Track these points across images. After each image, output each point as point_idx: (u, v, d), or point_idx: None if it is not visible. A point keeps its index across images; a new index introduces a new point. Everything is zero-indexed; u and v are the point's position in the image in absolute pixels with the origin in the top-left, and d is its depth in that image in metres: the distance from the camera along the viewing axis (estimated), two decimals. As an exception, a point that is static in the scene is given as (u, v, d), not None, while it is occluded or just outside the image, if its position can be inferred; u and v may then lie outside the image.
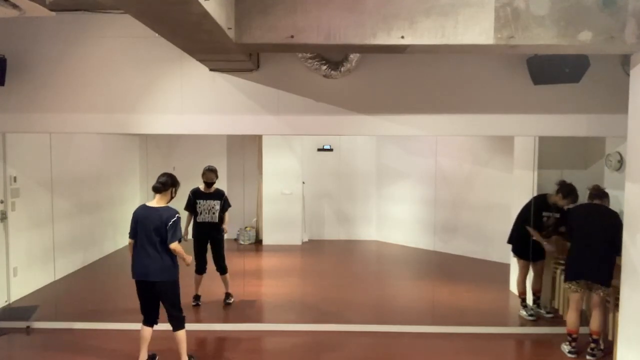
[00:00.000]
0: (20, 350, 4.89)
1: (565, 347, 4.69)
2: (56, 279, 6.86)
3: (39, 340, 5.01)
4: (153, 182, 4.17)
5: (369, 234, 10.06)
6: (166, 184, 4.20)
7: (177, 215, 4.14)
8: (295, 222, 9.60)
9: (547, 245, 5.47)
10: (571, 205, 5.26)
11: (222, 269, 5.95)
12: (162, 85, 4.79)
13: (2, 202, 5.69)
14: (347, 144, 9.97)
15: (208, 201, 5.80)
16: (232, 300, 6.06)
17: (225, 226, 5.95)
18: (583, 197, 5.48)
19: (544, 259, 5.66)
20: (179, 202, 6.45)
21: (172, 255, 4.14)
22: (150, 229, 4.06)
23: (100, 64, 4.79)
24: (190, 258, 4.27)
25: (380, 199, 9.97)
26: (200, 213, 5.79)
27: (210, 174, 5.77)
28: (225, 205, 5.92)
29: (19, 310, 5.69)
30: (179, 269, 4.20)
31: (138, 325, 4.24)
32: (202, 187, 5.84)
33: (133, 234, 4.16)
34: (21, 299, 6.02)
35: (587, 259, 4.48)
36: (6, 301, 5.81)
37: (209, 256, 5.94)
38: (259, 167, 9.72)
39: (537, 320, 5.57)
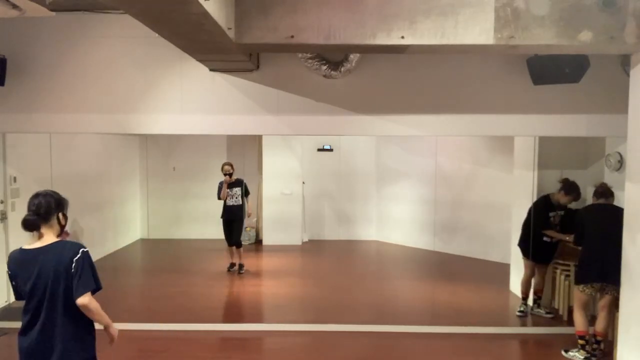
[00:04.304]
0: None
1: (580, 356, 4.50)
2: (56, 279, 6.86)
3: (39, 340, 4.99)
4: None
5: (369, 234, 10.07)
6: (49, 210, 2.61)
7: (82, 250, 2.60)
8: (295, 222, 9.61)
9: (570, 237, 5.24)
10: (573, 204, 5.24)
11: (238, 243, 7.37)
12: (162, 86, 4.79)
13: (2, 202, 5.69)
14: (347, 144, 9.97)
15: (229, 189, 7.24)
16: (244, 270, 7.41)
17: (249, 210, 7.50)
18: (586, 198, 5.51)
19: (551, 262, 5.67)
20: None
21: (86, 319, 2.66)
22: (45, 283, 2.59)
23: (100, 64, 4.79)
24: (114, 330, 2.80)
25: (380, 199, 9.97)
26: (227, 199, 7.21)
27: (225, 165, 7.23)
28: (245, 191, 7.39)
29: (19, 310, 5.69)
30: (95, 339, 2.77)
31: (139, 325, 4.22)
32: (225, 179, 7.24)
33: (20, 295, 2.75)
34: (21, 299, 6.02)
35: (603, 261, 4.34)
36: (6, 301, 5.82)
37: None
38: (259, 167, 9.72)
39: (526, 317, 5.62)
